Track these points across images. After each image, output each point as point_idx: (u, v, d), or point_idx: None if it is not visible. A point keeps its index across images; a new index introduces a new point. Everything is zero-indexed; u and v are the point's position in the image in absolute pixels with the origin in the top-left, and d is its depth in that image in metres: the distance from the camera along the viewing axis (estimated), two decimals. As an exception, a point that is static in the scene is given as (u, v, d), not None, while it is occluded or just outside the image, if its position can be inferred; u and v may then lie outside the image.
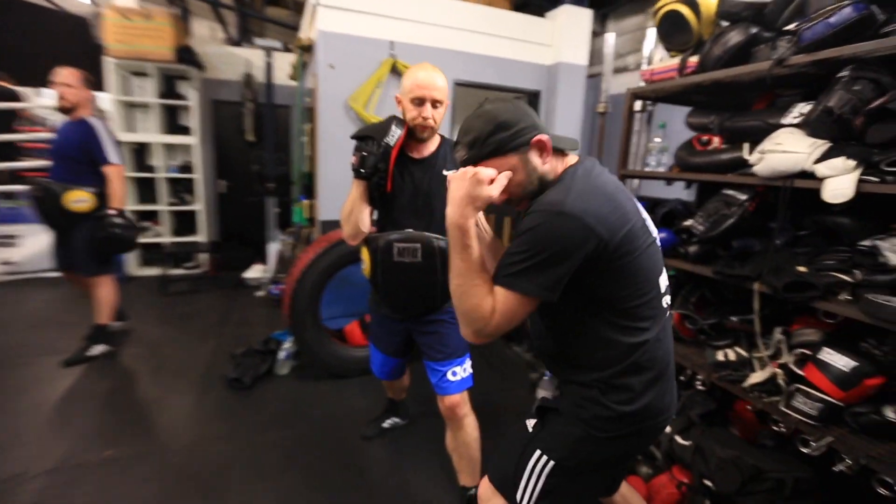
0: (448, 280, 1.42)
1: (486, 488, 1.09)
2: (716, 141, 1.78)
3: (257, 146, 4.60)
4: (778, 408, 1.46)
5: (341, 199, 1.47)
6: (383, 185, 1.43)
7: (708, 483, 1.48)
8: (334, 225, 2.81)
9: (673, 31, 1.91)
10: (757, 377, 1.56)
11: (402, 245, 1.41)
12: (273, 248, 4.17)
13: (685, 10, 1.81)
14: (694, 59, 1.79)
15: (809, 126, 1.38)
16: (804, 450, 1.40)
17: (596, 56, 3.78)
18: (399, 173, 1.48)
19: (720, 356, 1.71)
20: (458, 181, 0.89)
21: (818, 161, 1.32)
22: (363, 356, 2.57)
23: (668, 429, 1.77)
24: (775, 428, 1.51)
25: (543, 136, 0.89)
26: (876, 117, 1.25)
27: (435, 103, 1.39)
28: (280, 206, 4.26)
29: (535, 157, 0.91)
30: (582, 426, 0.95)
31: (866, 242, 1.39)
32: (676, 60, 1.90)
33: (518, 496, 1.01)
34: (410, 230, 1.44)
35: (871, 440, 1.31)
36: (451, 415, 1.49)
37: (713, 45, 1.66)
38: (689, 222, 1.81)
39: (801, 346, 1.53)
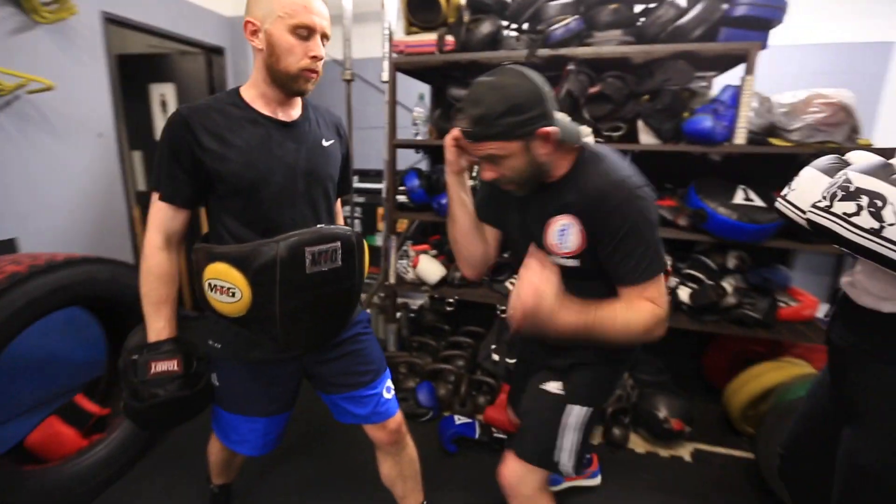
0: (361, 280, 1.14)
1: (516, 470, 1.07)
2: (477, 113, 2.12)
3: None
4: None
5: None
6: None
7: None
8: None
9: (421, 8, 2.06)
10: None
11: (317, 249, 0.97)
12: None
13: (437, -9, 1.99)
14: (450, 39, 2.02)
15: (558, 103, 1.91)
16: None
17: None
18: (261, 145, 0.99)
19: (510, 285, 2.18)
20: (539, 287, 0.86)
21: (571, 129, 1.87)
22: (87, 467, 1.52)
23: (496, 357, 2.13)
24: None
25: (551, 130, 0.89)
26: (590, 99, 1.89)
27: (324, 38, 0.99)
28: None
29: (538, 147, 0.91)
30: (611, 364, 1.08)
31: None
32: (428, 36, 2.07)
33: (557, 457, 1.06)
34: (321, 226, 1.01)
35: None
36: (397, 438, 1.22)
37: (472, 30, 1.94)
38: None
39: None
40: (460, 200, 1.08)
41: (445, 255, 2.43)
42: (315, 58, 0.97)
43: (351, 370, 1.17)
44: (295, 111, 1.07)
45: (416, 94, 2.28)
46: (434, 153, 2.71)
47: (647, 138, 1.83)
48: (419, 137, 2.23)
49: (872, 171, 0.71)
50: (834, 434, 0.95)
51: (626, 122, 1.86)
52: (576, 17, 1.77)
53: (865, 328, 0.85)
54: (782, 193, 0.98)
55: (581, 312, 0.89)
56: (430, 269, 2.29)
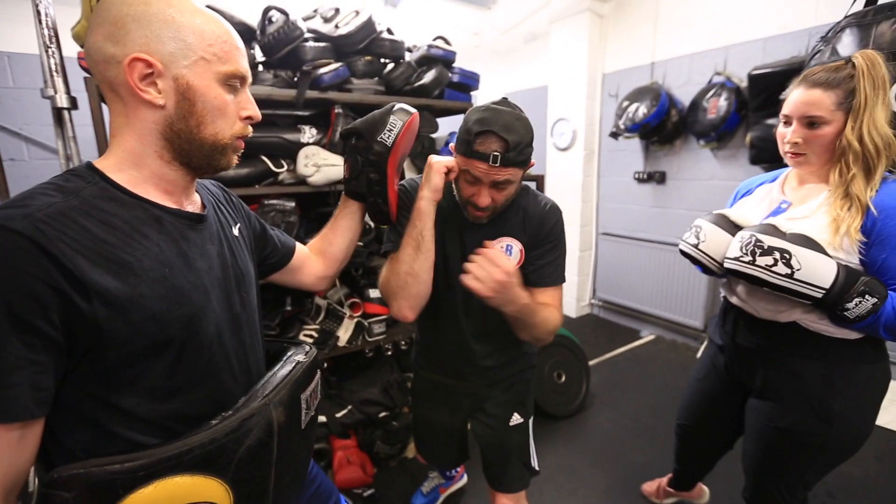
0: None
1: (513, 501, 1.19)
2: (232, 154, 1.77)
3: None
4: (366, 340, 2.10)
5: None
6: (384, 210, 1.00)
7: (384, 415, 1.95)
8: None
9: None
10: (345, 332, 2.07)
11: (309, 390, 0.71)
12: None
13: None
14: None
15: (333, 145, 1.87)
16: (389, 353, 2.19)
17: None
18: (181, 258, 0.63)
19: (309, 339, 2.01)
20: (494, 266, 0.88)
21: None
22: None
23: (323, 418, 1.95)
24: (368, 354, 2.16)
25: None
26: (358, 141, 1.97)
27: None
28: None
29: (521, 176, 1.02)
30: (529, 379, 1.30)
31: (354, 219, 2.16)
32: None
33: (534, 463, 1.24)
34: (298, 357, 0.72)
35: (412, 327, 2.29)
36: None
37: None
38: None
39: (342, 299, 2.17)
40: (432, 231, 1.01)
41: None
42: (250, 119, 0.69)
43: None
44: (195, 195, 0.71)
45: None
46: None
47: (410, 174, 2.11)
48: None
49: (772, 233, 0.95)
50: (727, 407, 1.28)
51: (393, 162, 2.07)
52: (341, 63, 1.80)
53: (767, 333, 1.09)
54: (691, 242, 1.15)
55: (526, 294, 0.96)
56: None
